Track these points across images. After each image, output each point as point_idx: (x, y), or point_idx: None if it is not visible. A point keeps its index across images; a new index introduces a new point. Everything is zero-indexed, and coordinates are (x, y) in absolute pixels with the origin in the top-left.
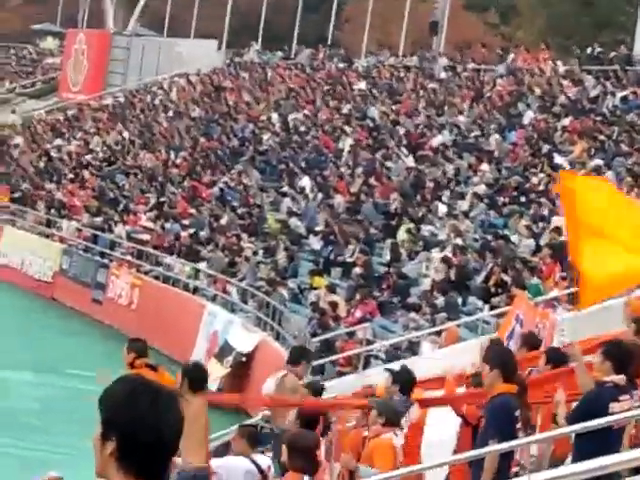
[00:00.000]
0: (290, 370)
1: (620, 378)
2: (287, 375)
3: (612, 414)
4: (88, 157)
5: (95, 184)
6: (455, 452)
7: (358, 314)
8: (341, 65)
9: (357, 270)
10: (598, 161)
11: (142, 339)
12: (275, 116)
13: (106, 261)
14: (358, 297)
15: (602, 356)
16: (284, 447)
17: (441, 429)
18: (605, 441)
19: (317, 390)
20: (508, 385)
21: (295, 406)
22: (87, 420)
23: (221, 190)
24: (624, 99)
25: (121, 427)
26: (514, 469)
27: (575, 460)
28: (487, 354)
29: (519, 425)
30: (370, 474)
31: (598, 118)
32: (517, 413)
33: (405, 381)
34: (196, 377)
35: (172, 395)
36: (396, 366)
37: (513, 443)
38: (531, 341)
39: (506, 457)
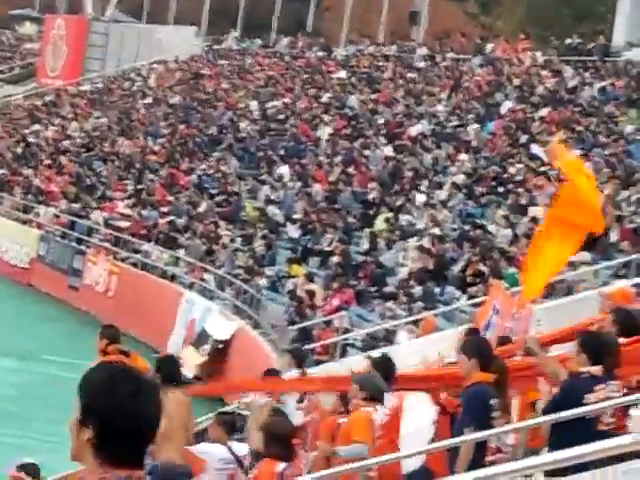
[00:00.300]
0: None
1: (597, 369)
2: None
3: (586, 405)
4: (66, 143)
5: (73, 170)
6: (433, 441)
7: (335, 302)
8: (320, 54)
9: (335, 259)
10: (575, 151)
11: (114, 326)
12: (254, 104)
13: (83, 248)
14: (336, 286)
15: (578, 347)
16: (260, 434)
17: (418, 417)
18: (579, 432)
19: (300, 357)
20: (485, 374)
21: (282, 388)
22: (63, 406)
23: (199, 177)
24: (602, 90)
25: (100, 414)
26: (490, 458)
27: (550, 450)
28: (464, 344)
29: (495, 414)
30: (348, 450)
31: (576, 109)
32: (493, 402)
33: (385, 369)
34: (168, 371)
35: (152, 383)
36: (376, 353)
37: (486, 432)
38: (503, 342)
39: (480, 446)
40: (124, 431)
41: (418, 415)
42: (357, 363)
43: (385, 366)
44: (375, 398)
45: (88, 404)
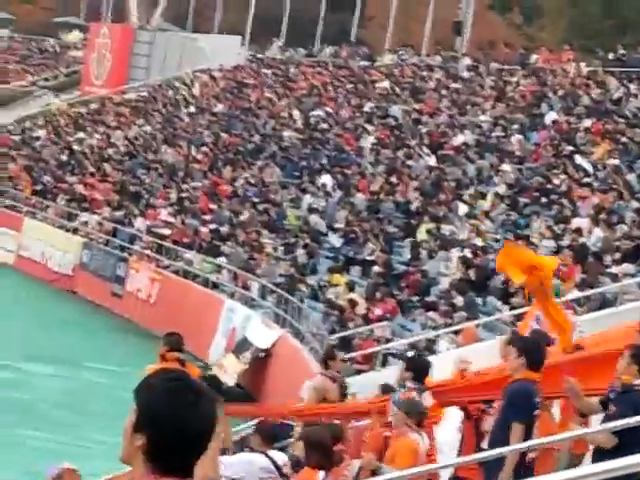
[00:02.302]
0: (322, 373)
1: None
2: (319, 377)
3: None
4: (110, 151)
5: (116, 178)
6: (459, 448)
7: (378, 312)
8: (364, 63)
9: (376, 268)
10: (619, 162)
11: (177, 333)
12: (297, 113)
13: (126, 255)
14: (378, 295)
15: (629, 359)
16: (300, 443)
17: (444, 425)
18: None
19: (419, 368)
20: (531, 372)
21: (312, 415)
22: (103, 413)
23: (242, 186)
24: None
25: (156, 423)
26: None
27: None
28: (517, 340)
29: (537, 412)
30: (392, 473)
31: (620, 120)
32: (537, 400)
33: (419, 368)
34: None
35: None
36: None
37: (537, 442)
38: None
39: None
40: (178, 442)
41: (446, 422)
42: (397, 373)
43: (418, 365)
44: (419, 423)
45: (145, 411)
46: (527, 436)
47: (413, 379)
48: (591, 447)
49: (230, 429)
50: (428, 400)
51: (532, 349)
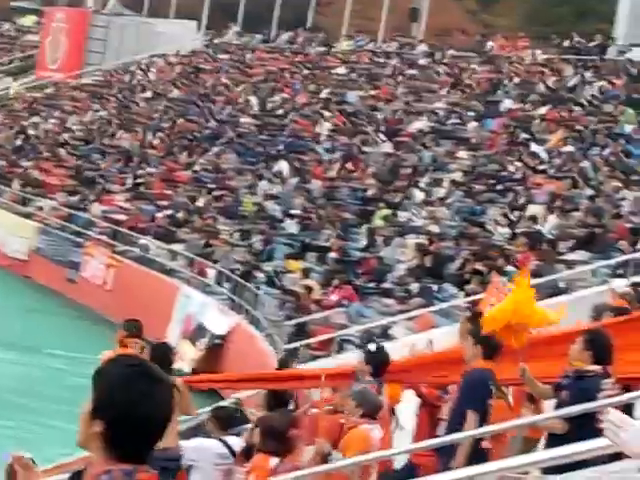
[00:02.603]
0: None
1: (599, 368)
2: None
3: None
4: (65, 136)
5: (72, 163)
6: (415, 434)
7: (334, 298)
8: (320, 49)
9: (332, 255)
10: (574, 150)
11: (137, 319)
12: (253, 99)
13: (81, 240)
14: (336, 282)
15: (584, 345)
16: (256, 429)
17: (403, 411)
18: (586, 430)
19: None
20: (487, 362)
21: (282, 385)
22: (60, 399)
23: (197, 172)
24: (602, 89)
25: (113, 410)
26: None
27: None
28: (475, 330)
29: (492, 401)
30: (342, 461)
31: (576, 108)
32: (492, 387)
33: (378, 362)
34: (160, 357)
35: (167, 382)
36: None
37: (486, 429)
38: None
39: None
40: (134, 428)
41: (403, 409)
42: (352, 359)
43: (378, 358)
44: (372, 414)
45: (102, 398)
46: (482, 424)
47: (372, 375)
48: (545, 432)
49: (189, 396)
50: (386, 392)
51: (488, 339)
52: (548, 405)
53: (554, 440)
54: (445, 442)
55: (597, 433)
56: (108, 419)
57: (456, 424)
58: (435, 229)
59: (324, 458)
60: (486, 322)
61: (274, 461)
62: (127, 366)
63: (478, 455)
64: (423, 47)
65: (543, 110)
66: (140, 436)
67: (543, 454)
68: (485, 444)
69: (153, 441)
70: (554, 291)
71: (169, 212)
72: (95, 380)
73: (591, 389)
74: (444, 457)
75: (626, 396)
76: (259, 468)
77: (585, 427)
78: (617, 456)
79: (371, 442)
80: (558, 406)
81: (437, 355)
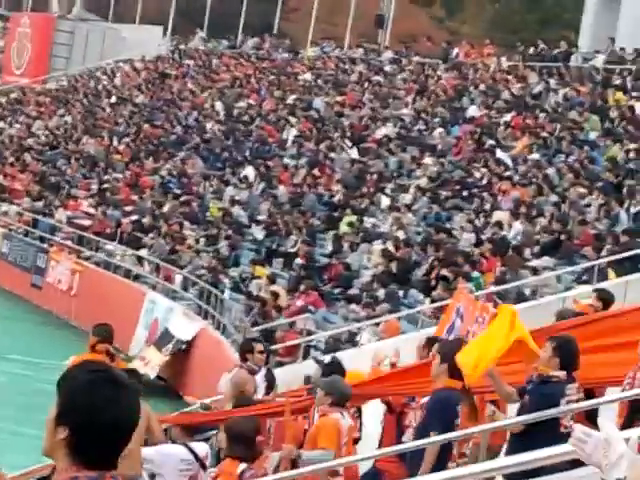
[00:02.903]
0: (239, 365)
1: (563, 373)
2: (236, 370)
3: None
4: (30, 141)
5: (36, 168)
6: (380, 440)
7: (299, 304)
8: (286, 55)
9: (299, 261)
10: (539, 156)
11: (108, 324)
12: (219, 105)
13: (46, 246)
14: (302, 288)
15: (552, 352)
16: (223, 434)
17: (369, 418)
18: (547, 436)
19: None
20: (453, 381)
21: (225, 417)
22: (24, 405)
23: (163, 177)
24: (566, 96)
25: (76, 416)
26: (453, 464)
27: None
28: (442, 347)
29: (458, 421)
30: (313, 455)
31: (541, 114)
32: (459, 408)
33: (335, 373)
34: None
35: (132, 388)
36: (328, 357)
37: (455, 434)
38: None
39: (445, 451)
40: (99, 434)
41: (369, 415)
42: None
43: (335, 371)
44: (341, 403)
45: (65, 404)
46: (448, 445)
47: (331, 405)
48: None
49: (158, 424)
50: (348, 420)
51: (453, 359)
52: (510, 408)
53: (516, 445)
54: (409, 448)
55: (560, 438)
56: (72, 425)
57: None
58: (401, 235)
59: (293, 463)
60: (464, 366)
61: (242, 466)
62: (91, 371)
63: (442, 466)
64: (389, 54)
65: (508, 117)
66: (105, 442)
67: (507, 460)
68: (451, 465)
69: (119, 447)
70: (519, 297)
71: (135, 217)
72: (60, 386)
73: (555, 394)
74: (411, 464)
75: (589, 402)
76: (226, 474)
77: (548, 432)
78: (581, 462)
79: (341, 430)
80: (520, 410)
81: (400, 372)
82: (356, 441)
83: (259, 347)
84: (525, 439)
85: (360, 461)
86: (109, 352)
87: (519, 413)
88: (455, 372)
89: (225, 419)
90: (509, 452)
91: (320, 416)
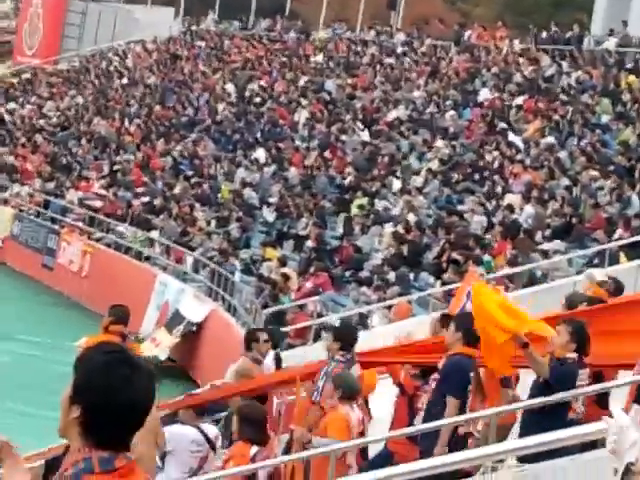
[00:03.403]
0: (244, 354)
1: (576, 356)
2: (241, 359)
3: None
4: (41, 122)
5: (48, 149)
6: (392, 422)
7: (309, 285)
8: (298, 37)
9: (309, 243)
10: (551, 140)
11: (124, 306)
12: (231, 86)
13: (57, 227)
14: (311, 270)
15: (569, 336)
16: (235, 417)
17: (379, 400)
18: (558, 418)
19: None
20: (468, 348)
21: (240, 393)
22: (34, 385)
23: (175, 159)
24: (579, 79)
25: (91, 396)
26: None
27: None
28: (457, 317)
29: (470, 387)
30: (324, 443)
31: (553, 98)
32: (472, 375)
33: (346, 337)
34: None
35: (149, 372)
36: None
37: (463, 417)
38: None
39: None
40: (113, 415)
41: (381, 397)
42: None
43: (345, 334)
44: (351, 397)
45: (81, 384)
46: (461, 411)
47: (340, 349)
48: (519, 418)
49: (160, 428)
50: (357, 371)
51: (470, 326)
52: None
53: (530, 424)
54: (421, 430)
55: (569, 420)
56: (86, 404)
57: (434, 409)
58: (412, 218)
59: (303, 446)
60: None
61: (254, 449)
62: (108, 352)
63: (456, 442)
64: (401, 36)
65: (520, 100)
66: (118, 422)
67: (519, 442)
68: (462, 430)
69: (132, 428)
70: (531, 280)
71: (146, 199)
72: (76, 366)
73: (574, 374)
74: (425, 444)
75: (599, 385)
76: (239, 456)
77: (561, 413)
78: (592, 445)
79: (350, 424)
80: (534, 388)
81: (415, 342)
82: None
83: (264, 336)
84: (539, 419)
85: (371, 443)
86: (122, 334)
87: (532, 390)
88: (470, 339)
89: (235, 394)
90: (523, 430)
91: (329, 410)
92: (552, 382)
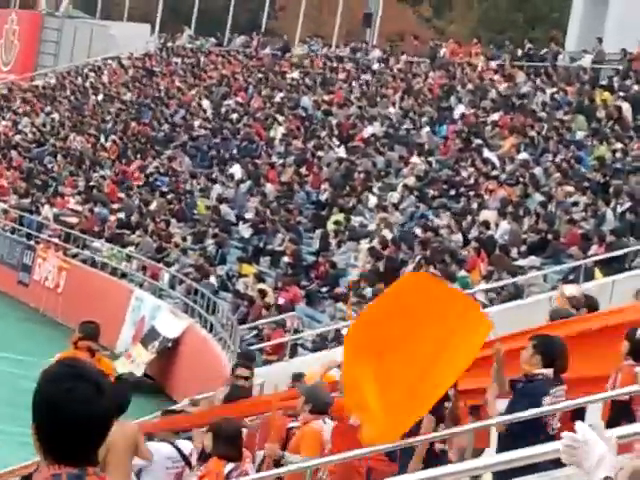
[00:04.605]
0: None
1: (549, 372)
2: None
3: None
4: (17, 138)
5: (23, 165)
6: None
7: (281, 301)
8: (274, 54)
9: (286, 259)
10: (526, 156)
11: (94, 322)
12: (207, 103)
13: (33, 243)
14: (280, 284)
15: (533, 349)
16: (209, 434)
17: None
18: (531, 435)
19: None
20: None
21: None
22: (9, 402)
23: (151, 175)
24: (554, 96)
25: (40, 411)
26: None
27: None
28: None
29: (448, 404)
30: (296, 460)
31: (528, 114)
32: (449, 392)
33: (318, 403)
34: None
35: (98, 385)
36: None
37: (435, 434)
38: None
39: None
40: (57, 429)
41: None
42: (306, 363)
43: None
44: (322, 411)
45: (33, 400)
46: (437, 428)
47: (310, 412)
48: (495, 437)
49: (143, 442)
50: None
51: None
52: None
53: (503, 445)
54: (398, 446)
55: (547, 439)
56: (38, 419)
57: (413, 427)
58: (388, 234)
59: (276, 462)
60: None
61: (229, 466)
62: (60, 366)
63: (433, 459)
64: (377, 52)
65: (495, 116)
66: (66, 436)
67: (496, 458)
68: (439, 446)
69: (87, 442)
70: (507, 296)
71: (122, 215)
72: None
73: (536, 394)
74: (401, 461)
75: (573, 402)
76: (213, 473)
77: (534, 432)
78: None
79: (322, 439)
80: (507, 408)
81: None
82: None
83: (244, 372)
84: (511, 440)
85: (348, 459)
86: (90, 349)
87: (506, 412)
88: None
89: (209, 421)
90: (498, 451)
91: (301, 424)
92: (513, 403)
